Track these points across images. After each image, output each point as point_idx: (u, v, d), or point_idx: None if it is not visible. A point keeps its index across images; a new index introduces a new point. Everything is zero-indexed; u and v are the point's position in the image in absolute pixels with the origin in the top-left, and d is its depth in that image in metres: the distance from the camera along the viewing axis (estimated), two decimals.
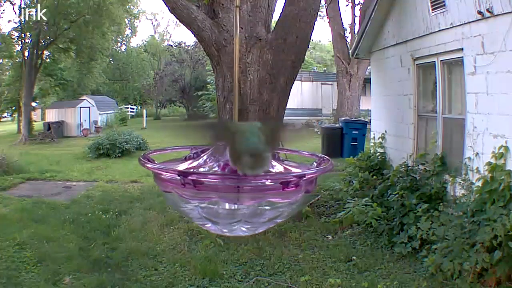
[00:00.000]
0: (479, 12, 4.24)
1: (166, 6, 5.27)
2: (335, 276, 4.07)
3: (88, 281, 3.96)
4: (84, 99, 22.15)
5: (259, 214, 0.93)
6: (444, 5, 4.91)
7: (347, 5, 19.55)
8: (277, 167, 1.02)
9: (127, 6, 25.50)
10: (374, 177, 6.09)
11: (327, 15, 17.14)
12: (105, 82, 33.25)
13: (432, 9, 5.15)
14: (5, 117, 32.27)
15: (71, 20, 19.63)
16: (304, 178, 0.93)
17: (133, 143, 12.32)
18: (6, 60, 22.39)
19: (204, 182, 0.86)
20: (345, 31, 17.64)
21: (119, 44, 36.27)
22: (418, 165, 5.36)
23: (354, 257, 4.48)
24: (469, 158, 4.46)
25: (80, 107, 20.77)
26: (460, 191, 4.53)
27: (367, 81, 15.11)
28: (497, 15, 4.05)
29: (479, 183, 4.07)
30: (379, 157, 6.71)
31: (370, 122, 8.61)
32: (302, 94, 20.89)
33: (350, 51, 14.02)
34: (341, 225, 5.35)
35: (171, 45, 33.15)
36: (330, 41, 23.45)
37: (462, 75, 4.73)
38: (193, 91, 27.30)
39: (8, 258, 4.43)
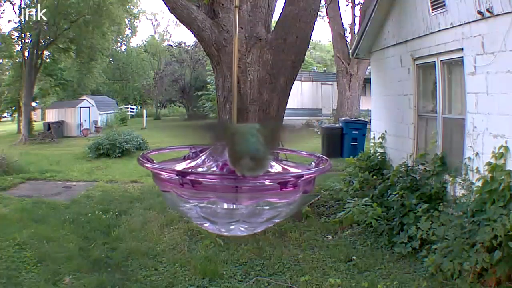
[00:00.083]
0: (479, 12, 4.24)
1: (166, 6, 5.27)
2: (335, 276, 4.07)
3: (88, 281, 3.96)
4: (84, 99, 22.16)
5: (257, 214, 0.93)
6: (444, 5, 4.91)
7: (347, 5, 19.56)
8: (276, 167, 1.02)
9: (127, 6, 25.50)
10: (374, 177, 6.09)
11: (327, 15, 17.14)
12: (105, 82, 33.26)
13: (432, 9, 5.15)
14: (5, 117, 32.29)
15: (71, 20, 19.64)
16: (302, 179, 0.93)
17: (133, 143, 12.33)
18: (6, 60, 22.40)
19: (202, 182, 0.86)
20: (345, 31, 17.64)
21: (119, 44, 36.28)
22: (418, 165, 5.36)
23: (354, 257, 4.48)
24: (469, 158, 4.46)
25: (80, 107, 20.78)
26: (460, 191, 4.53)
27: (367, 81, 15.11)
28: (497, 15, 4.05)
29: (479, 183, 4.06)
30: (379, 157, 6.71)
31: (370, 122, 8.60)
32: (302, 94, 20.88)
33: (350, 51, 14.02)
34: (341, 225, 5.35)
35: (171, 45, 33.16)
36: (330, 41, 23.45)
37: (462, 75, 4.73)
38: (193, 91, 27.31)
39: (8, 258, 4.43)
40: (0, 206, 6.53)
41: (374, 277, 4.05)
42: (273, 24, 5.81)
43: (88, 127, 20.65)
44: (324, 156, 1.08)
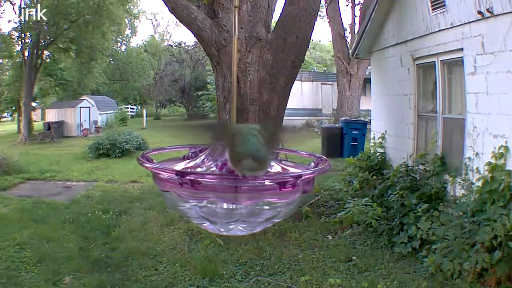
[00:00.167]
0: (479, 12, 4.23)
1: (166, 6, 5.27)
2: (335, 276, 4.07)
3: (88, 281, 3.96)
4: (84, 99, 22.17)
5: (257, 214, 0.93)
6: (444, 5, 4.91)
7: (347, 5, 19.55)
8: (275, 167, 1.02)
9: (127, 6, 25.51)
10: (374, 177, 6.08)
11: (327, 15, 17.14)
12: (105, 82, 33.27)
13: (432, 9, 5.15)
14: (5, 117, 32.30)
15: (71, 20, 19.64)
16: (301, 179, 0.93)
17: (133, 143, 12.33)
18: (6, 60, 22.41)
19: (201, 182, 0.86)
20: (345, 31, 17.63)
21: (119, 44, 36.30)
22: (418, 165, 5.36)
23: (354, 257, 4.48)
24: (469, 158, 4.46)
25: (80, 107, 20.78)
26: (460, 191, 4.53)
27: (367, 81, 15.11)
28: (497, 15, 4.04)
29: (479, 183, 4.06)
30: (379, 157, 6.71)
31: (370, 122, 8.60)
32: (302, 94, 20.86)
33: (350, 51, 14.01)
34: (341, 225, 5.35)
35: (171, 45, 33.17)
36: (330, 41, 23.45)
37: (462, 75, 4.73)
38: (193, 91, 27.31)
39: (8, 258, 4.43)
40: (0, 206, 6.53)
41: (374, 277, 4.05)
42: (273, 24, 5.81)
43: (88, 127, 20.66)
44: (323, 156, 1.08)
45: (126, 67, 35.51)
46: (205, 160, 1.02)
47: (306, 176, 0.95)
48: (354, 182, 6.25)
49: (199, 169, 1.00)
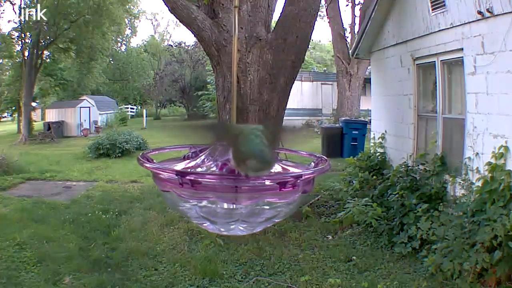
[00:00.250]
0: (479, 12, 4.23)
1: (166, 6, 5.27)
2: (335, 276, 4.07)
3: (88, 281, 3.96)
4: (84, 99, 22.17)
5: (257, 214, 0.93)
6: (444, 5, 4.91)
7: (347, 5, 19.55)
8: (275, 167, 1.02)
9: (127, 6, 25.51)
10: (374, 177, 6.08)
11: (327, 15, 17.13)
12: (105, 82, 33.27)
13: (432, 9, 5.15)
14: (5, 117, 32.29)
15: (71, 20, 19.64)
16: (301, 179, 0.93)
17: (133, 143, 12.33)
18: (6, 60, 22.40)
19: (201, 182, 0.86)
20: (345, 31, 17.63)
21: (119, 44, 36.30)
22: (418, 165, 5.36)
23: (354, 257, 4.48)
24: (469, 158, 4.46)
25: (80, 107, 20.78)
26: (460, 191, 4.53)
27: (367, 81, 15.11)
28: (497, 15, 4.04)
29: (479, 183, 4.06)
30: (379, 157, 6.70)
31: (370, 122, 8.60)
32: (302, 94, 20.86)
33: (350, 51, 14.01)
34: (341, 225, 5.35)
35: (171, 45, 33.17)
36: (330, 41, 23.45)
37: (462, 75, 4.73)
38: (193, 91, 27.31)
39: (8, 258, 4.43)
40: (0, 206, 6.53)
41: (374, 277, 4.05)
42: (273, 24, 5.81)
43: (88, 127, 20.66)
44: (323, 156, 1.08)
45: (126, 67, 35.51)
46: (205, 160, 1.02)
47: (306, 176, 0.95)
48: (354, 182, 6.25)
49: (199, 169, 1.00)
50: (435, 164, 5.01)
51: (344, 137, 10.84)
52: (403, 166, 5.49)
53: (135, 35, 58.09)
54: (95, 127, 21.33)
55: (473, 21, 4.40)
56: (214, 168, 0.98)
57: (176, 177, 0.87)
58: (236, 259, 4.49)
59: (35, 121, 24.65)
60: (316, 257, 4.55)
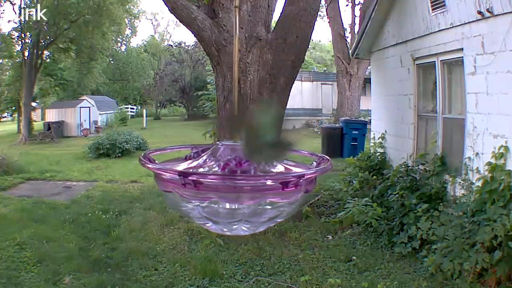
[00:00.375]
0: (479, 12, 4.24)
1: (166, 6, 5.27)
2: (335, 276, 4.07)
3: (88, 281, 3.96)
4: (84, 99, 22.16)
5: (259, 214, 0.93)
6: (444, 5, 4.91)
7: (347, 5, 19.52)
8: (277, 167, 1.02)
9: (127, 6, 25.49)
10: (374, 177, 6.08)
11: (327, 15, 17.12)
12: (105, 82, 33.27)
13: (432, 9, 5.15)
14: (5, 117, 32.28)
15: (71, 20, 19.63)
16: (304, 178, 0.93)
17: (133, 143, 12.33)
18: (6, 60, 22.39)
19: (204, 182, 0.86)
20: (345, 31, 17.61)
21: (119, 44, 36.30)
22: (418, 165, 5.36)
23: (354, 257, 4.48)
24: (469, 158, 4.46)
25: (80, 107, 20.78)
26: (460, 191, 4.53)
27: (367, 81, 15.11)
28: (497, 15, 4.05)
29: (479, 183, 4.07)
30: (379, 157, 6.71)
31: (370, 122, 8.60)
32: (302, 94, 20.86)
33: (350, 51, 14.00)
34: (341, 225, 5.35)
35: (171, 45, 33.18)
36: (330, 41, 23.45)
37: (462, 75, 4.73)
38: (193, 91, 27.31)
39: (8, 258, 4.43)
40: (0, 206, 6.53)
41: (374, 277, 4.05)
42: (273, 24, 5.81)
43: (88, 127, 20.65)
44: (325, 156, 1.08)
45: (126, 67, 35.51)
46: (207, 160, 1.02)
47: (308, 176, 0.95)
48: (354, 182, 6.25)
49: (201, 169, 1.00)
50: (435, 164, 5.01)
51: (344, 137, 10.85)
52: (403, 166, 5.49)
53: (135, 35, 58.13)
54: (95, 127, 21.33)
55: (473, 21, 4.40)
56: (216, 168, 0.98)
57: (179, 177, 0.87)
58: (236, 259, 4.49)
59: (35, 121, 24.64)
60: (316, 257, 4.55)
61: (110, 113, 25.04)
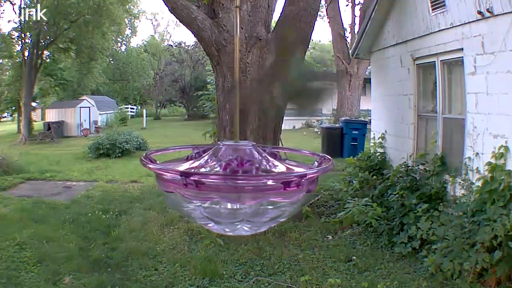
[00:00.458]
0: (479, 12, 4.24)
1: (166, 6, 5.27)
2: (335, 276, 4.07)
3: (88, 281, 3.97)
4: (84, 99, 22.15)
5: (261, 214, 0.93)
6: (444, 5, 4.91)
7: (347, 5, 19.54)
8: (279, 167, 1.02)
9: (127, 6, 25.49)
10: (374, 177, 6.09)
11: (327, 15, 17.12)
12: (105, 82, 33.25)
13: (432, 9, 5.15)
14: (5, 117, 32.26)
15: (71, 20, 19.61)
16: (306, 178, 0.93)
17: (133, 143, 12.33)
18: (6, 60, 22.38)
19: (205, 182, 0.86)
20: (345, 31, 17.62)
21: (119, 44, 36.28)
22: (418, 165, 5.36)
23: (354, 257, 4.48)
24: (469, 158, 4.47)
25: (80, 107, 20.77)
26: (460, 191, 4.53)
27: (367, 81, 15.10)
28: (497, 15, 4.05)
29: (479, 183, 4.07)
30: (379, 157, 6.71)
31: (370, 122, 8.61)
32: None
33: (350, 51, 14.01)
34: (341, 225, 5.35)
35: (171, 45, 33.17)
36: (330, 41, 23.42)
37: (462, 75, 4.73)
38: (193, 91, 27.30)
39: (8, 258, 4.43)
40: (0, 206, 6.53)
41: (374, 277, 4.05)
42: (273, 24, 5.81)
43: (88, 127, 20.64)
44: (326, 155, 1.09)
45: (126, 67, 35.50)
46: (209, 160, 1.02)
47: (310, 175, 0.95)
48: (354, 182, 6.25)
49: (202, 170, 1.01)
50: (435, 164, 5.01)
51: (344, 137, 10.85)
52: (403, 166, 5.49)
53: (135, 35, 58.16)
54: (95, 127, 21.32)
55: (473, 21, 4.41)
56: (218, 169, 0.98)
57: (180, 177, 0.87)
58: (236, 259, 4.50)
59: (35, 121, 24.62)
60: (316, 257, 4.55)
61: (110, 113, 25.04)
